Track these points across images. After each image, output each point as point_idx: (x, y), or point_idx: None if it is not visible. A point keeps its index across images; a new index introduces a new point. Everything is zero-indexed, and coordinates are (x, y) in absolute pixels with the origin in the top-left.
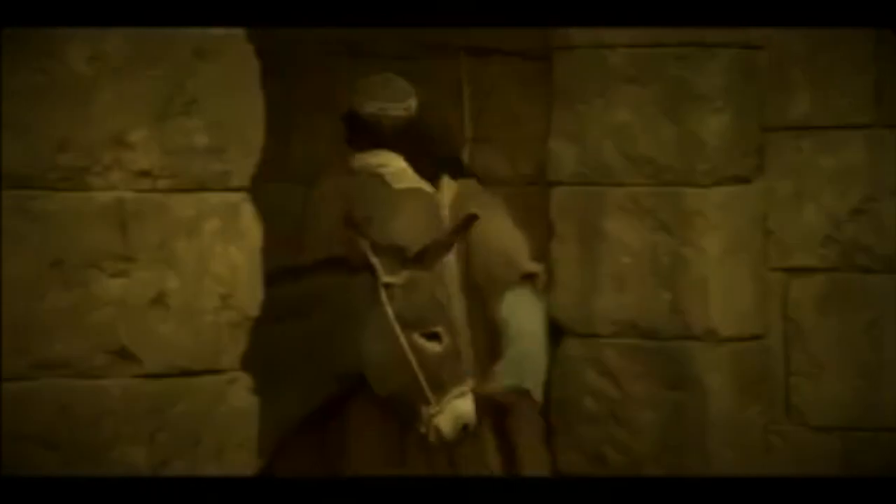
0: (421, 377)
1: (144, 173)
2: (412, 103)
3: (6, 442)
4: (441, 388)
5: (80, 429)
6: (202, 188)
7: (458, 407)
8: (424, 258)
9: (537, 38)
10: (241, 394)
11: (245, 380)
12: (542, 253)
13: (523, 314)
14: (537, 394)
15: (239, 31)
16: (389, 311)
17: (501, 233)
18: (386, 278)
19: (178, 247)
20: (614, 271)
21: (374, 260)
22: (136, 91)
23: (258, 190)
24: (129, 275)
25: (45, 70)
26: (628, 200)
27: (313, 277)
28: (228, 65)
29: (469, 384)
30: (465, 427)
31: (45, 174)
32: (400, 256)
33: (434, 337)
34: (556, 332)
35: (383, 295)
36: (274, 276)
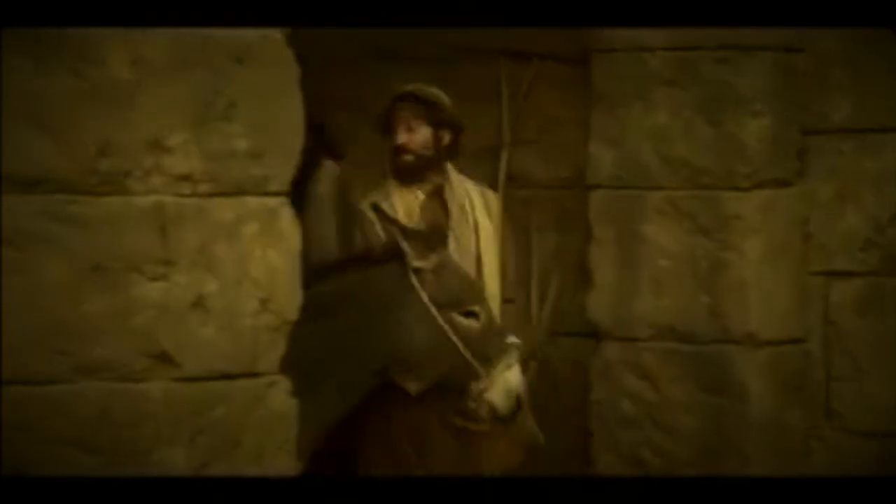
0: (467, 354)
1: (184, 177)
2: None
3: (43, 445)
4: (488, 361)
5: (121, 432)
6: (241, 192)
7: (509, 379)
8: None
9: (576, 42)
10: (280, 397)
11: (284, 383)
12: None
13: None
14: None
15: (278, 36)
16: (424, 295)
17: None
18: (417, 263)
19: (217, 251)
20: (653, 275)
21: (405, 244)
22: (175, 96)
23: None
24: (168, 279)
25: (84, 74)
26: (667, 204)
27: (340, 275)
28: (268, 69)
29: (514, 356)
30: (517, 398)
31: (86, 179)
32: (427, 240)
33: (471, 315)
34: (594, 335)
35: (415, 280)
36: (304, 277)
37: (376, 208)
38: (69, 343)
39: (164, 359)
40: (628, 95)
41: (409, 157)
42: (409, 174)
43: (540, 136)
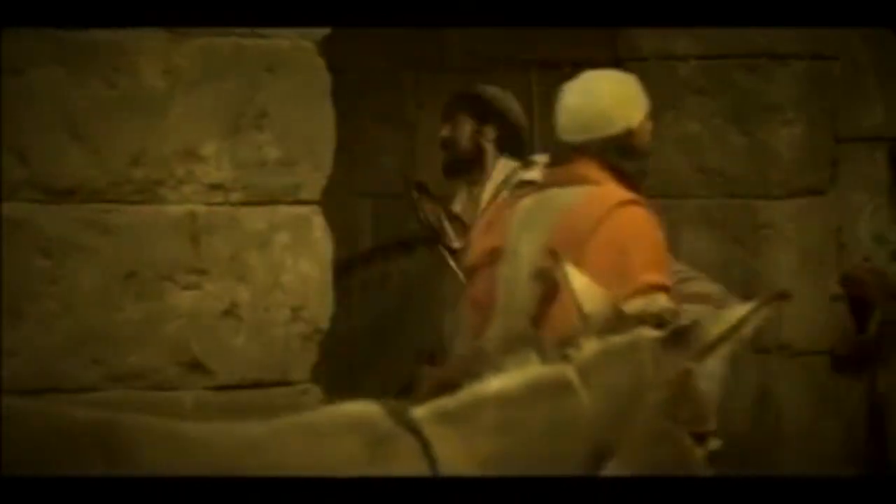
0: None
1: (216, 186)
2: None
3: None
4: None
5: None
6: (273, 201)
7: None
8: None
9: (606, 50)
10: (312, 405)
11: (316, 391)
12: None
13: None
14: None
15: (309, 45)
16: (461, 274)
17: None
18: (457, 243)
19: (249, 259)
20: None
21: (447, 225)
22: (207, 105)
23: (327, 203)
24: (201, 287)
25: (117, 84)
26: (699, 213)
27: (375, 262)
28: (299, 78)
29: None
30: None
31: (119, 188)
32: (466, 224)
33: None
34: None
35: (451, 261)
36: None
37: (420, 187)
38: (102, 351)
39: (197, 367)
40: (659, 104)
41: (449, 152)
42: (453, 168)
43: None
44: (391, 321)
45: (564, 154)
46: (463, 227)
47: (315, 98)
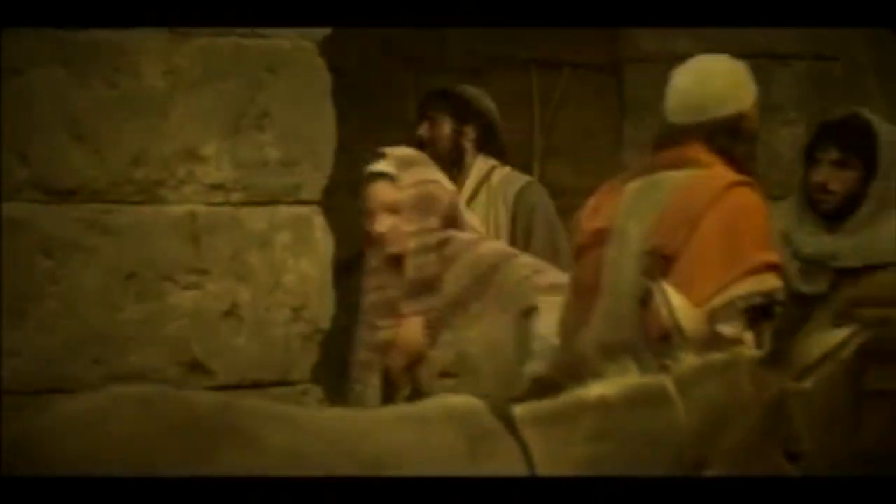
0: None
1: (217, 187)
2: None
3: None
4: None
5: None
6: (274, 201)
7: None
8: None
9: (607, 51)
10: (312, 405)
11: (317, 391)
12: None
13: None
14: None
15: (310, 45)
16: None
17: None
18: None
19: (250, 259)
20: None
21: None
22: (208, 105)
23: (328, 204)
24: (202, 287)
25: (118, 84)
26: None
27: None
28: (300, 78)
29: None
30: None
31: (120, 188)
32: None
33: None
34: None
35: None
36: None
37: None
38: (103, 351)
39: (197, 367)
40: (660, 104)
41: (427, 151)
42: None
43: (572, 146)
44: None
45: (672, 137)
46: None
47: (315, 98)
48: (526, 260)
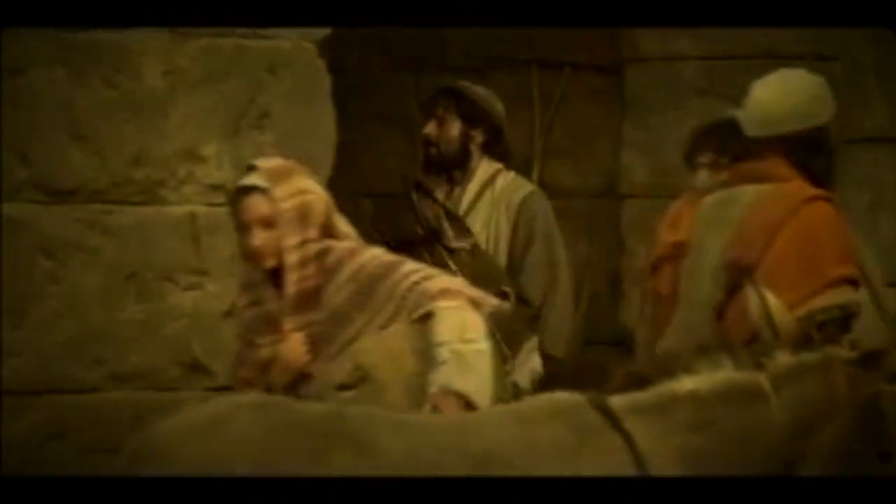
0: (499, 336)
1: (217, 187)
2: None
3: (79, 452)
4: (517, 344)
5: None
6: None
7: (534, 361)
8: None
9: (608, 51)
10: None
11: None
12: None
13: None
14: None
15: (310, 46)
16: (459, 275)
17: None
18: (455, 243)
19: None
20: None
21: (446, 225)
22: (208, 106)
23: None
24: (202, 288)
25: (118, 85)
26: None
27: None
28: (300, 79)
29: (535, 340)
30: (540, 380)
31: (120, 188)
32: (462, 222)
33: (504, 296)
34: (623, 343)
35: (450, 261)
36: None
37: (419, 186)
38: (104, 351)
39: (198, 367)
40: (661, 104)
41: (433, 150)
42: (434, 166)
43: (572, 146)
44: None
45: (750, 150)
46: (462, 227)
47: (316, 99)
48: (412, 266)
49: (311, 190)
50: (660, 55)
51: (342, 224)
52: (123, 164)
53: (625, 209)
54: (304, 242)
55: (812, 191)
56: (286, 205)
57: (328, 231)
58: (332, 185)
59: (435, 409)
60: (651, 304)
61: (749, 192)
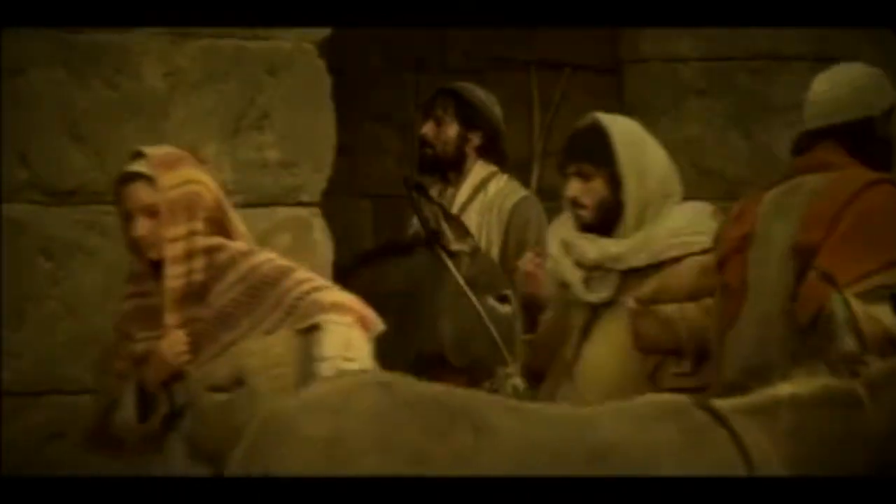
0: (499, 339)
1: None
2: None
3: (79, 452)
4: (516, 347)
5: None
6: (273, 203)
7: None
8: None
9: (608, 52)
10: None
11: None
12: None
13: None
14: None
15: (310, 47)
16: (460, 278)
17: None
18: (455, 246)
19: None
20: None
21: (445, 226)
22: (208, 106)
23: (328, 204)
24: None
25: (118, 85)
26: None
27: (377, 264)
28: (300, 80)
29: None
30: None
31: None
32: (462, 224)
33: (504, 299)
34: None
35: (450, 264)
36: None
37: (419, 188)
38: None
39: None
40: (661, 106)
41: (429, 150)
42: (429, 167)
43: None
44: (390, 323)
45: (808, 141)
46: (460, 228)
47: (316, 99)
48: (304, 275)
49: (199, 180)
50: (660, 56)
51: (238, 223)
52: (123, 164)
53: None
54: (190, 234)
55: (872, 175)
56: (171, 194)
57: (220, 227)
58: (332, 185)
59: None
60: (720, 297)
61: (811, 180)
